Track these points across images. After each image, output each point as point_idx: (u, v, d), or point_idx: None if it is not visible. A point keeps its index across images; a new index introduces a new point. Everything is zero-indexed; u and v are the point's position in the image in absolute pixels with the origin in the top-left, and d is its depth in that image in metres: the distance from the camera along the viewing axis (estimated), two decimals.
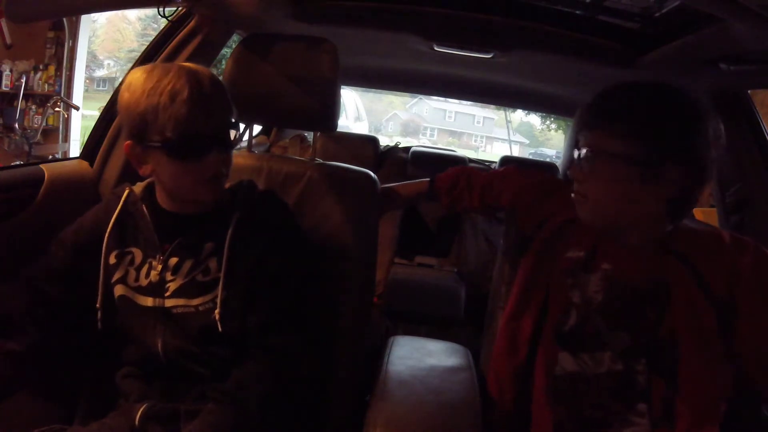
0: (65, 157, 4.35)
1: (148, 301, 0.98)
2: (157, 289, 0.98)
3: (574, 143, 0.99)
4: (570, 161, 0.99)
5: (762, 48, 1.05)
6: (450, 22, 1.47)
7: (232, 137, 0.99)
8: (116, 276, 1.00)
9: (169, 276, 0.98)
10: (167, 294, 0.97)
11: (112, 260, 1.00)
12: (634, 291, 0.93)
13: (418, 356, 1.21)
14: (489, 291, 1.28)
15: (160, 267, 0.98)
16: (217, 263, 0.97)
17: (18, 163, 3.81)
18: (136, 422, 0.93)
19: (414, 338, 1.34)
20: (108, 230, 1.01)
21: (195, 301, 0.97)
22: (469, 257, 2.51)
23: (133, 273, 1.00)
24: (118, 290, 0.99)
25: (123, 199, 1.03)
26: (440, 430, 0.95)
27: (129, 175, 1.37)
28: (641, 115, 0.90)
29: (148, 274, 0.99)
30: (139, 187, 1.06)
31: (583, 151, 0.94)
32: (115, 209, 1.02)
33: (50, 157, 4.59)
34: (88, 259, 1.01)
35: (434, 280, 2.46)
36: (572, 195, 0.99)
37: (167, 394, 0.97)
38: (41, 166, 1.23)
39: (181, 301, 0.97)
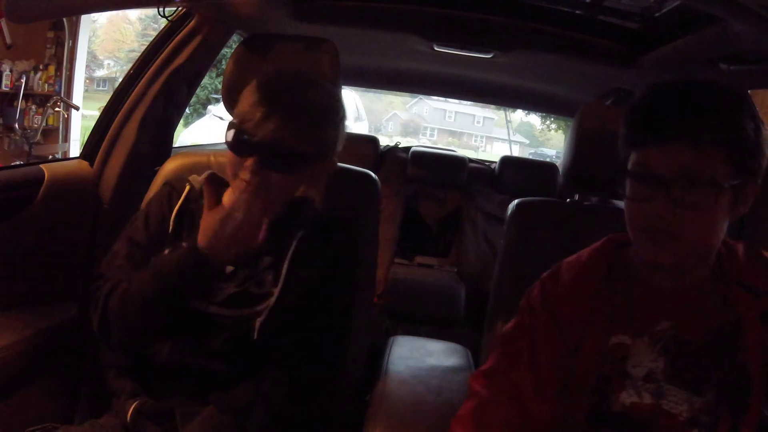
0: (65, 157, 4.36)
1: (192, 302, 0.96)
2: (205, 291, 0.96)
3: (628, 162, 0.79)
4: (633, 191, 0.78)
5: (762, 48, 1.05)
6: (450, 22, 1.48)
7: (289, 163, 0.92)
8: None
9: (221, 283, 0.96)
10: (215, 300, 0.95)
11: None
12: (702, 340, 0.79)
13: (418, 356, 1.21)
14: (489, 291, 1.28)
15: None
16: (273, 278, 0.96)
17: (18, 163, 3.81)
18: (128, 419, 0.92)
19: (414, 338, 1.34)
20: (170, 228, 0.99)
21: (244, 311, 0.95)
22: (469, 257, 2.51)
23: None
24: None
25: (184, 196, 1.02)
26: (440, 430, 0.94)
27: (129, 175, 1.37)
28: (733, 124, 0.73)
29: None
30: (198, 183, 1.03)
31: (662, 176, 0.73)
32: (176, 205, 1.01)
33: (50, 157, 4.59)
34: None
35: (434, 280, 2.46)
36: (645, 236, 0.78)
37: (160, 391, 0.96)
38: (41, 166, 1.23)
39: (231, 312, 0.95)
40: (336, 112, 0.99)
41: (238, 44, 1.23)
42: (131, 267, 0.98)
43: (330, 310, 1.00)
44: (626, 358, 0.80)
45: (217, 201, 0.91)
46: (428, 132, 24.32)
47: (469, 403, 0.86)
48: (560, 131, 11.85)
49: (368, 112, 10.57)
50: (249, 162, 0.89)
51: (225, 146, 0.95)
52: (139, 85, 1.39)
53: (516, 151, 15.30)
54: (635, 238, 0.81)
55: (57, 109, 4.52)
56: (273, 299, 0.94)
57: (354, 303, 1.13)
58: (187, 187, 1.03)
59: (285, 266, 0.96)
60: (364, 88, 5.15)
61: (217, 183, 1.04)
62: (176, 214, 1.00)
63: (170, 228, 0.99)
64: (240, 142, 0.91)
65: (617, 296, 0.83)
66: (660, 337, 0.80)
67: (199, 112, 8.71)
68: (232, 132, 0.92)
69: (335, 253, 1.01)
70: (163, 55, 1.40)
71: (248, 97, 0.93)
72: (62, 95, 4.61)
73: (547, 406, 0.81)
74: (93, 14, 5.95)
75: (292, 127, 0.91)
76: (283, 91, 0.94)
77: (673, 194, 0.73)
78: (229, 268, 0.96)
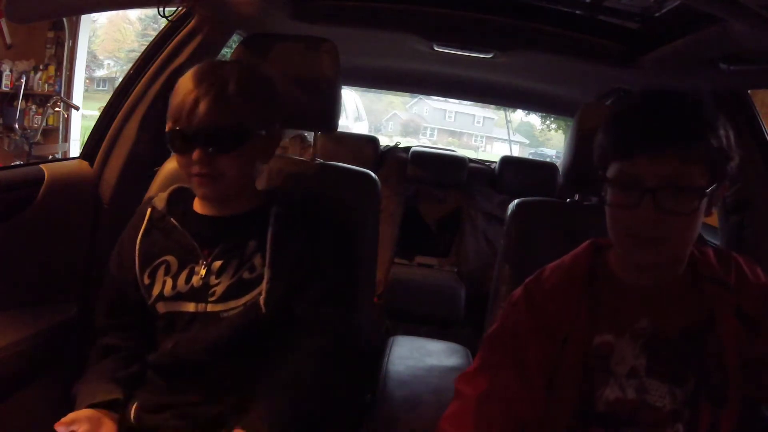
0: (65, 157, 4.35)
1: (190, 307, 0.97)
2: (200, 294, 0.97)
3: (607, 169, 0.82)
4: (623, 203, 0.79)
5: (762, 48, 1.05)
6: (450, 22, 1.48)
7: (232, 140, 0.94)
8: (154, 294, 0.99)
9: (213, 280, 0.97)
10: (212, 299, 0.97)
11: (146, 281, 1.00)
12: (680, 335, 0.83)
13: (418, 356, 1.22)
14: (489, 291, 1.28)
15: (204, 271, 0.97)
16: (262, 258, 0.98)
17: (18, 163, 3.81)
18: (132, 419, 0.93)
19: (414, 338, 1.34)
20: (136, 255, 1.00)
21: (243, 299, 0.97)
22: (469, 257, 2.51)
23: (169, 282, 0.98)
24: (161, 308, 0.98)
25: (146, 218, 1.03)
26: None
27: (129, 175, 1.37)
28: (713, 133, 0.76)
29: (188, 280, 0.98)
30: (161, 201, 1.05)
31: (647, 184, 0.76)
32: (140, 229, 1.02)
33: (50, 157, 4.59)
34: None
35: (434, 280, 2.46)
36: (627, 239, 0.81)
37: (167, 388, 0.96)
38: (41, 166, 1.23)
39: (230, 305, 0.96)
40: (263, 84, 1.01)
41: (238, 44, 1.23)
42: (108, 303, 1.03)
43: (331, 269, 1.02)
44: (610, 356, 0.83)
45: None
46: (428, 132, 24.30)
47: (455, 402, 0.88)
48: (560, 131, 11.84)
49: (368, 112, 10.56)
50: (195, 154, 0.92)
51: None
52: (139, 85, 1.39)
53: (516, 151, 15.29)
54: (619, 242, 0.84)
55: (57, 109, 4.52)
56: (265, 271, 0.96)
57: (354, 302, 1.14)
58: (149, 210, 1.04)
59: (269, 243, 0.98)
60: (364, 88, 5.14)
61: (183, 196, 1.07)
62: (141, 240, 1.02)
63: (136, 262, 1.00)
64: (178, 139, 0.94)
65: (599, 297, 0.86)
66: (640, 334, 0.83)
67: None
68: (169, 134, 0.94)
69: (313, 220, 1.04)
70: (163, 55, 1.40)
71: (174, 98, 0.95)
72: (62, 95, 4.61)
73: (535, 404, 0.83)
74: (93, 14, 5.95)
75: (221, 104, 0.92)
76: (203, 76, 0.95)
77: (659, 202, 0.75)
78: (217, 264, 0.98)
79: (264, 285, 0.96)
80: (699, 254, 0.87)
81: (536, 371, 0.84)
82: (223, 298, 0.96)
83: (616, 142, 0.81)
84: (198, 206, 1.05)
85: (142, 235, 1.02)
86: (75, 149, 4.78)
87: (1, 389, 1.05)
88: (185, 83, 0.94)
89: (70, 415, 0.87)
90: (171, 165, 1.23)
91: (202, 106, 0.91)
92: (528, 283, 0.92)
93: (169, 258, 1.00)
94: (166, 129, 0.95)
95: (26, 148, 4.39)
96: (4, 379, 1.05)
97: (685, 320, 0.83)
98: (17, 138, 4.49)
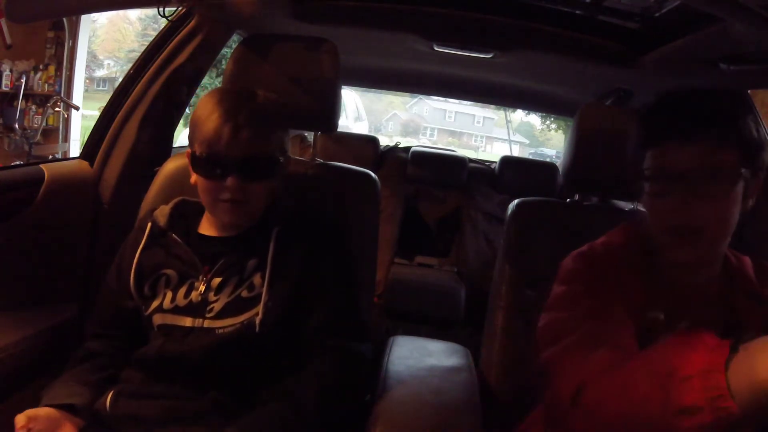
0: (65, 157, 4.36)
1: (187, 321, 0.97)
2: (198, 309, 0.97)
3: (643, 164, 0.81)
4: (651, 190, 0.80)
5: (762, 48, 1.05)
6: (450, 22, 1.47)
7: (266, 169, 0.98)
8: (153, 305, 0.99)
9: (212, 296, 0.97)
10: (210, 315, 0.96)
11: (147, 292, 1.00)
12: None
13: (418, 356, 1.21)
14: (489, 291, 1.28)
15: (203, 287, 0.97)
16: (261, 278, 0.97)
17: (18, 163, 3.81)
18: (107, 407, 0.92)
19: (414, 338, 1.34)
20: (132, 269, 1.00)
21: (240, 318, 0.96)
22: (469, 257, 2.51)
23: (169, 294, 0.98)
24: (157, 319, 0.98)
25: (146, 233, 1.03)
26: (440, 430, 0.94)
27: (129, 175, 1.37)
28: (741, 121, 0.78)
29: (187, 294, 0.98)
30: (163, 216, 1.04)
31: (680, 170, 0.76)
32: (140, 244, 1.02)
33: (50, 157, 4.59)
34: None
35: (434, 280, 2.46)
36: (665, 233, 0.80)
37: (144, 379, 0.96)
38: (41, 166, 1.23)
39: (227, 322, 0.96)
40: (283, 112, 1.04)
41: (238, 44, 1.23)
42: (101, 312, 1.05)
43: (337, 290, 1.02)
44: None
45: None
46: (428, 132, 24.31)
47: (604, 354, 0.74)
48: (560, 131, 11.84)
49: (368, 112, 10.56)
50: (230, 182, 0.93)
51: None
52: (139, 85, 1.39)
53: (516, 151, 15.29)
54: (659, 239, 0.83)
55: (57, 109, 4.53)
56: (264, 290, 0.96)
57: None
58: (149, 225, 1.03)
59: (269, 264, 0.97)
60: (364, 88, 5.14)
61: (186, 210, 1.06)
62: (140, 255, 1.01)
63: (132, 275, 1.00)
64: (212, 165, 0.94)
65: (644, 291, 0.84)
66: None
67: None
68: (202, 160, 0.94)
69: (315, 240, 1.03)
70: (163, 55, 1.40)
71: (203, 123, 0.94)
72: (62, 95, 4.61)
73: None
74: (93, 14, 5.95)
75: (260, 134, 0.96)
76: (241, 105, 0.96)
77: (691, 186, 0.76)
78: (217, 281, 0.97)
79: (261, 306, 0.95)
80: (736, 261, 0.86)
81: (627, 320, 0.79)
82: (221, 315, 0.96)
83: (646, 133, 0.82)
84: (205, 228, 1.04)
85: (142, 250, 1.02)
86: (75, 149, 4.78)
87: (1, 389, 1.05)
88: (216, 109, 0.94)
89: (31, 411, 0.87)
90: (171, 165, 1.23)
91: (242, 136, 0.93)
92: (575, 256, 0.90)
93: (169, 272, 1.00)
94: (195, 154, 0.95)
95: (26, 148, 4.40)
96: (4, 379, 1.05)
97: (716, 325, 0.81)
98: (17, 138, 4.49)
